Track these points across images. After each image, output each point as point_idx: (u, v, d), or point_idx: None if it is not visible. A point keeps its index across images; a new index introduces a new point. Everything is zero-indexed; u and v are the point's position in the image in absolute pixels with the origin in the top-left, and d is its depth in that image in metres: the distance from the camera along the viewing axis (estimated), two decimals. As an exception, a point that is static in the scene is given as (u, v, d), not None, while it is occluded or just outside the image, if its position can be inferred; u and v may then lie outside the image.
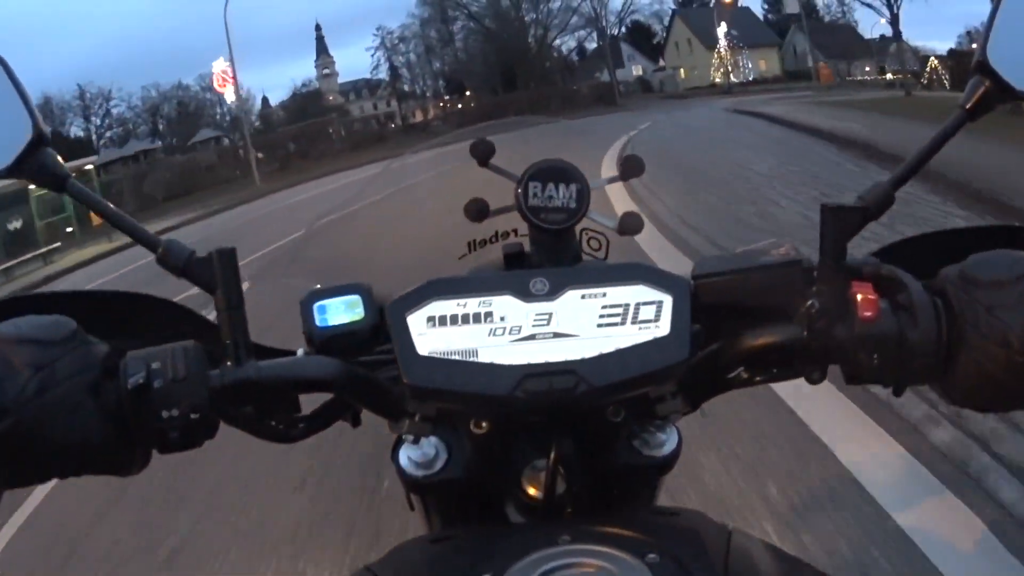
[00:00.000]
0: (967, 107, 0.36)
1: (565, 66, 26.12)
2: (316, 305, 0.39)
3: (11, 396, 0.33)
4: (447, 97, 25.52)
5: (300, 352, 0.40)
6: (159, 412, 0.34)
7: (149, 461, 0.37)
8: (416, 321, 0.36)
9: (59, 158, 0.40)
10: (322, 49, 27.85)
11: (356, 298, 0.39)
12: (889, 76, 20.58)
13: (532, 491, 0.40)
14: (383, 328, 0.38)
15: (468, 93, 25.09)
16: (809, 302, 0.36)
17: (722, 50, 25.27)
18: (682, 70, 27.27)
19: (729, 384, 0.41)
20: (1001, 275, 0.34)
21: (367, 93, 28.38)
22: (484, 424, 0.39)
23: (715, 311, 0.38)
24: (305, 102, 26.83)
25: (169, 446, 0.36)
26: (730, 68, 25.10)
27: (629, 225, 0.43)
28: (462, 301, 0.36)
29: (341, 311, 0.39)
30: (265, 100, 29.16)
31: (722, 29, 25.48)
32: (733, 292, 0.37)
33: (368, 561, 0.35)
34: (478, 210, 0.42)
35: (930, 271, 0.37)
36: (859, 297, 0.34)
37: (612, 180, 0.44)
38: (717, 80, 25.40)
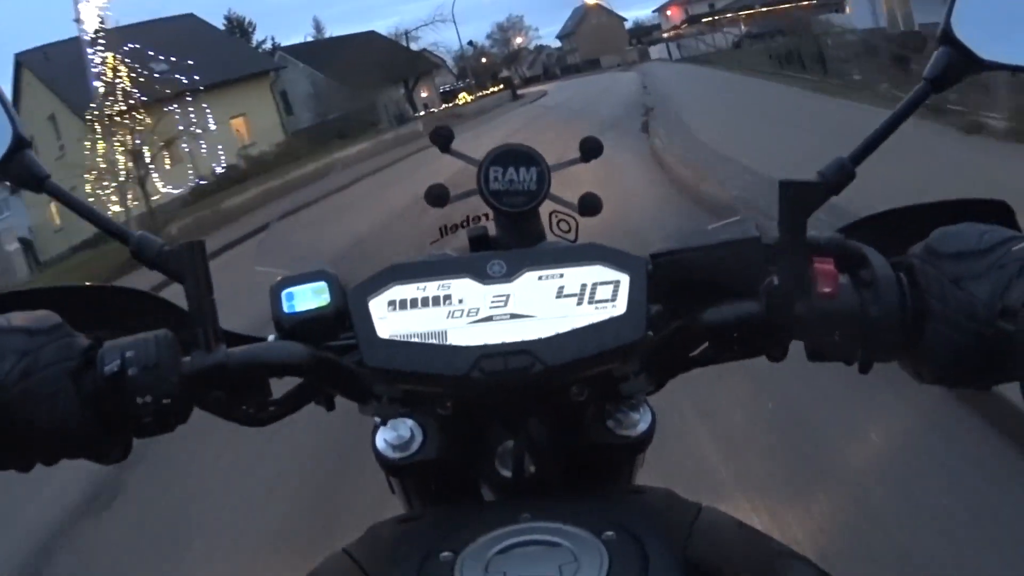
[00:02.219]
0: (931, 78, 0.36)
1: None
2: (284, 292, 0.40)
3: None
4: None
5: (271, 338, 0.41)
6: (134, 398, 0.36)
7: (130, 450, 0.39)
8: (377, 305, 0.37)
9: (37, 159, 0.41)
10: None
11: (322, 284, 0.40)
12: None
13: (503, 471, 0.40)
14: (348, 312, 0.38)
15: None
16: (768, 279, 0.36)
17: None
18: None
19: (693, 362, 0.41)
20: (967, 246, 0.33)
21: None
22: (448, 404, 0.39)
23: (676, 289, 0.38)
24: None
25: (144, 431, 0.37)
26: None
27: (588, 206, 0.42)
28: (422, 285, 0.37)
29: (308, 297, 0.39)
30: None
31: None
32: (692, 269, 0.37)
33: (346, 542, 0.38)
34: (438, 195, 0.42)
35: (896, 246, 0.36)
36: (818, 272, 0.34)
37: (572, 162, 0.43)
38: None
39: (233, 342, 0.40)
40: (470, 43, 55.72)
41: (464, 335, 0.36)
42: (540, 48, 65.82)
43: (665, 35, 49.10)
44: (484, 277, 0.37)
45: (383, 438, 0.42)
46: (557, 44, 61.07)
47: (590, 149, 0.42)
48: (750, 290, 0.37)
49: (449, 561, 0.31)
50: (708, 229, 0.38)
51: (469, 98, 26.75)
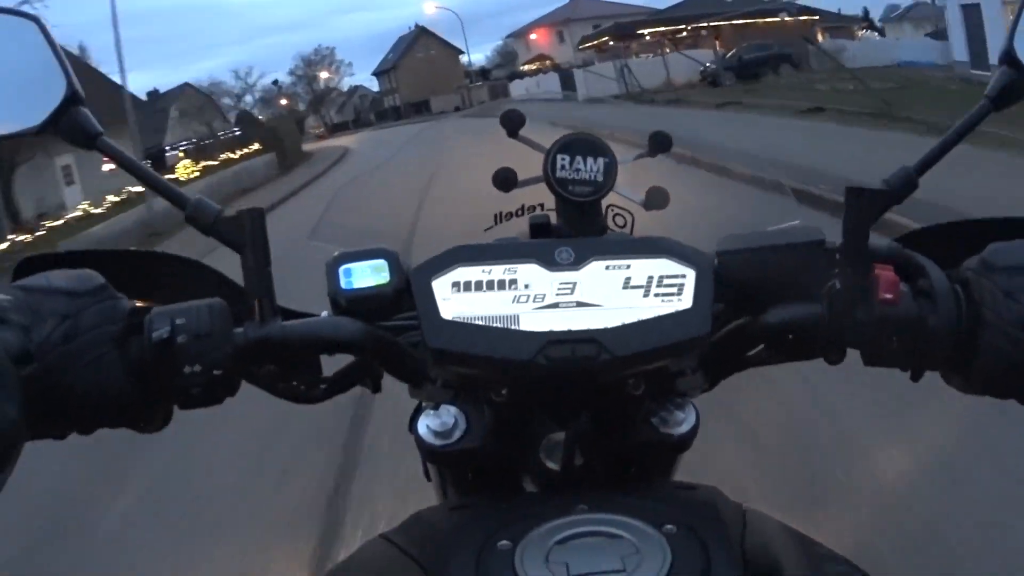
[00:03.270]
0: (992, 97, 0.50)
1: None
2: (342, 268, 0.50)
3: (37, 342, 0.42)
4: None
5: (324, 314, 0.51)
6: (181, 367, 0.44)
7: (171, 418, 0.48)
8: (441, 286, 0.46)
9: (91, 116, 0.50)
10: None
11: (382, 262, 0.50)
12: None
13: (549, 463, 0.51)
14: (407, 293, 0.48)
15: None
16: (830, 283, 0.47)
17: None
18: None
19: (748, 362, 0.53)
20: (1021, 261, 0.45)
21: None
22: (504, 392, 0.49)
23: (737, 289, 0.50)
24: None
25: (190, 402, 0.46)
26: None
27: (655, 200, 0.55)
28: (487, 268, 0.47)
29: (367, 274, 0.49)
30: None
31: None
32: (756, 269, 0.49)
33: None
34: (505, 179, 0.55)
35: (950, 259, 0.49)
36: (880, 279, 0.45)
37: (641, 156, 0.56)
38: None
39: (286, 316, 0.49)
40: (275, 83, 59.42)
41: (530, 320, 0.45)
42: (354, 89, 66.80)
43: (525, 67, 44.19)
44: (551, 263, 0.47)
45: (425, 424, 0.53)
46: (375, 85, 62.70)
47: (659, 142, 0.55)
48: (810, 293, 0.48)
49: (508, 550, 0.40)
50: (769, 231, 0.51)
51: (194, 169, 18.46)
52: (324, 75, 56.84)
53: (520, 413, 0.52)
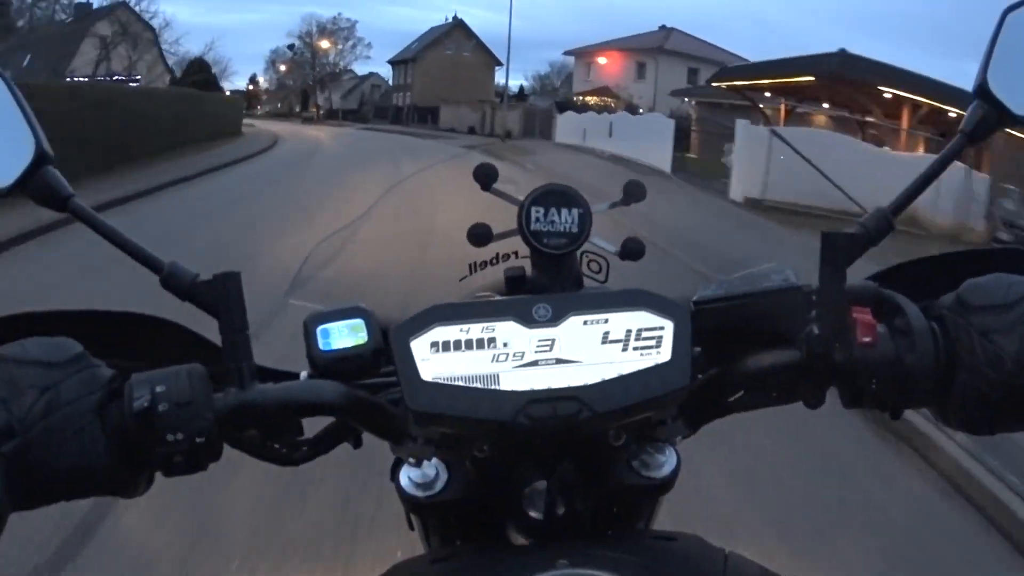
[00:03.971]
0: (966, 131, 0.59)
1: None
2: (319, 329, 0.58)
3: (17, 417, 0.49)
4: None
5: (303, 375, 0.59)
6: (164, 435, 0.51)
7: (152, 482, 0.55)
8: (420, 346, 0.54)
9: (60, 177, 0.57)
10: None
11: (359, 322, 0.58)
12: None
13: (532, 512, 0.60)
14: (385, 351, 0.56)
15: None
16: (809, 327, 0.56)
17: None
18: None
19: (729, 408, 0.61)
20: (995, 299, 0.54)
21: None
22: (485, 448, 0.58)
23: (715, 336, 0.58)
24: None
25: (174, 469, 0.52)
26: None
27: (631, 250, 0.65)
28: (465, 326, 0.55)
29: (344, 334, 0.58)
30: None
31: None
32: (734, 317, 0.58)
33: None
34: (481, 235, 0.65)
35: (927, 294, 0.58)
36: (858, 322, 0.54)
37: (614, 205, 0.65)
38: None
39: (265, 377, 0.56)
40: (291, 47, 58.76)
41: (510, 379, 0.53)
42: (369, 76, 65.00)
43: (584, 98, 35.84)
44: (529, 321, 0.55)
45: (408, 476, 0.62)
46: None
47: (632, 192, 0.65)
48: (789, 337, 0.57)
49: None
50: (745, 274, 0.60)
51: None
52: (325, 45, 55.93)
53: (502, 464, 0.60)
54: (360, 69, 63.31)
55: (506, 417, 0.53)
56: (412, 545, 0.69)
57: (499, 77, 54.68)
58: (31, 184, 0.58)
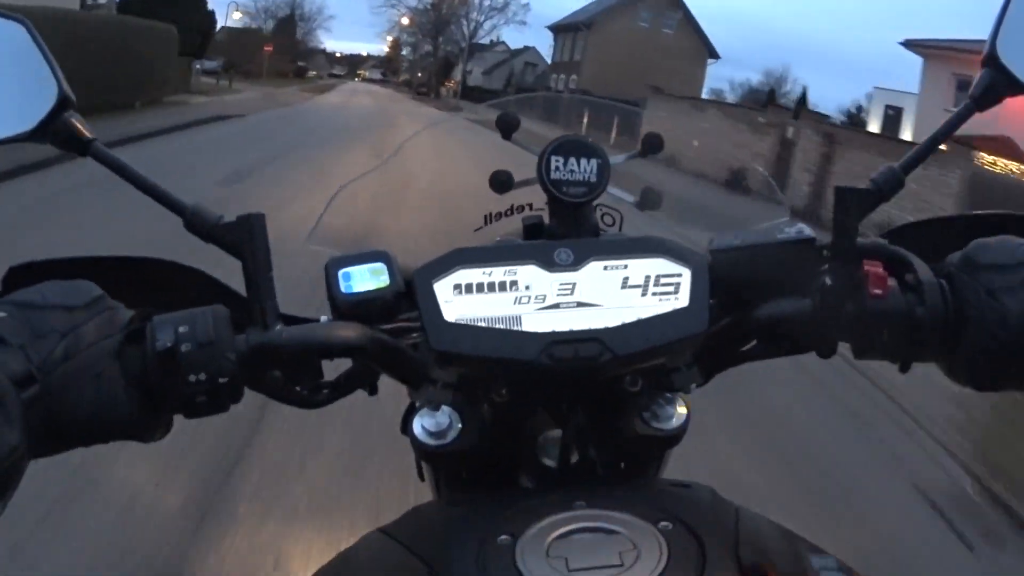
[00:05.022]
0: (975, 97, 0.80)
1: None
2: (341, 272, 0.78)
3: (37, 362, 0.64)
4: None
5: (323, 319, 0.79)
6: (186, 376, 0.68)
7: (171, 427, 0.73)
8: (443, 288, 0.74)
9: (83, 122, 0.76)
10: None
11: (380, 265, 0.78)
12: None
13: (546, 460, 0.81)
14: (406, 296, 0.76)
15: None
16: (821, 278, 0.76)
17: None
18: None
19: (742, 357, 0.82)
20: (1002, 259, 0.75)
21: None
22: (504, 392, 0.78)
23: (730, 285, 0.79)
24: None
25: (195, 410, 0.70)
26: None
27: (649, 200, 0.88)
28: (487, 270, 0.75)
29: (366, 278, 0.78)
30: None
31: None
32: (749, 267, 0.80)
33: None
34: (502, 182, 0.88)
35: (935, 254, 0.78)
36: (869, 274, 0.74)
37: (632, 156, 0.87)
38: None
39: (286, 321, 0.75)
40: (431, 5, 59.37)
41: (532, 321, 0.74)
42: (523, 50, 65.74)
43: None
44: (551, 264, 0.76)
45: (421, 424, 0.83)
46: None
47: (651, 144, 0.90)
48: (802, 288, 0.77)
49: (508, 545, 0.64)
50: (761, 227, 0.81)
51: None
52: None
53: (518, 412, 0.82)
54: (512, 40, 61.90)
55: (529, 357, 0.74)
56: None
57: (713, 74, 46.98)
58: (53, 128, 0.78)
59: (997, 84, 0.82)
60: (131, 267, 0.86)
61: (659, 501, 0.73)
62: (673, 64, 50.39)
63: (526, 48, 68.71)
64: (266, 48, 56.69)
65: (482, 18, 62.53)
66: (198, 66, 35.41)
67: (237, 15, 55.96)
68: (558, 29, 58.44)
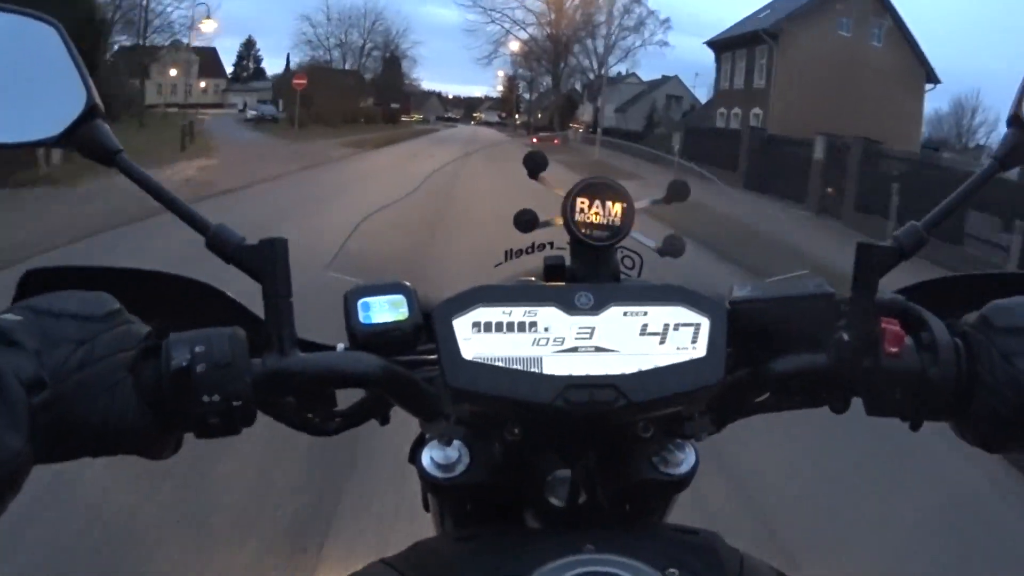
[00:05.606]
0: (999, 157, 1.02)
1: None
2: (361, 302, 0.98)
3: (50, 369, 0.80)
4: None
5: (340, 347, 0.99)
6: (200, 397, 0.85)
7: (180, 446, 0.91)
8: (462, 325, 0.93)
9: (110, 131, 0.94)
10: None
11: (401, 298, 0.99)
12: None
13: (553, 499, 1.00)
14: (424, 329, 0.96)
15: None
16: (838, 334, 0.95)
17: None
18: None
19: (755, 408, 1.04)
20: (1019, 322, 0.95)
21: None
22: (516, 431, 0.95)
23: (748, 336, 0.99)
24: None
25: (207, 431, 0.87)
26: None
27: (671, 247, 1.09)
28: (507, 309, 0.95)
29: (385, 309, 0.98)
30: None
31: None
32: (767, 319, 1.00)
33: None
34: (527, 221, 1.08)
35: (952, 312, 0.98)
36: (886, 331, 0.93)
37: (656, 202, 1.07)
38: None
39: (303, 348, 0.93)
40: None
41: (550, 363, 0.92)
42: (663, 81, 61.24)
43: None
44: (571, 308, 0.95)
45: (430, 456, 1.03)
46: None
47: (677, 191, 1.10)
48: (817, 343, 0.96)
49: None
50: (779, 279, 1.04)
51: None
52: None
53: (528, 450, 0.96)
54: (646, 70, 57.07)
55: (544, 399, 0.89)
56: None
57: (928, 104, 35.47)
58: (79, 136, 0.93)
59: (1021, 145, 1.04)
60: (149, 281, 1.04)
61: (667, 547, 0.90)
62: (883, 90, 44.42)
63: (666, 78, 66.84)
64: (296, 82, 57.80)
65: (612, 39, 59.11)
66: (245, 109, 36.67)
67: (207, 25, 56.28)
68: (723, 45, 51.54)
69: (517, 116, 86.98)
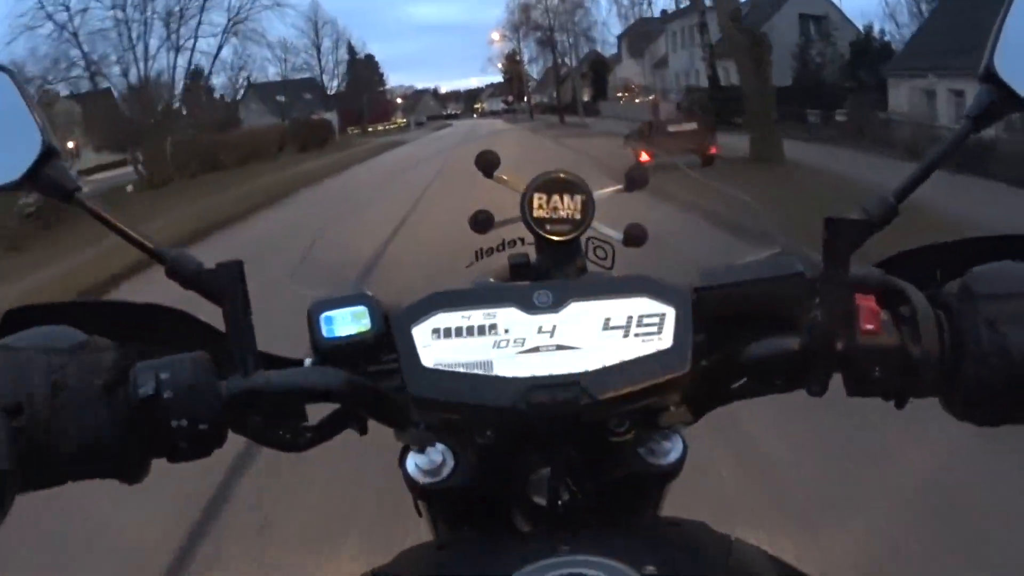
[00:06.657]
0: (973, 116, 0.97)
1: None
2: (323, 316, 0.96)
3: (25, 395, 0.82)
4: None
5: (307, 362, 0.97)
6: (168, 422, 0.86)
7: (149, 470, 0.91)
8: (421, 333, 0.93)
9: (68, 170, 0.98)
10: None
11: (363, 309, 0.97)
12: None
13: (537, 499, 0.98)
14: (388, 338, 0.94)
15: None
16: (812, 314, 0.93)
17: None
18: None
19: (732, 395, 1.00)
20: (1003, 288, 0.90)
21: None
22: (488, 434, 0.96)
23: (718, 322, 0.97)
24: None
25: (178, 455, 0.88)
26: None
27: (633, 236, 1.08)
28: (467, 313, 0.94)
29: (348, 321, 0.96)
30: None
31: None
32: (736, 303, 0.97)
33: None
34: (483, 221, 1.09)
35: (933, 282, 0.94)
36: (861, 309, 0.90)
37: (616, 191, 1.07)
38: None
39: (269, 364, 0.94)
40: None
41: (511, 366, 0.91)
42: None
43: None
44: (530, 307, 0.94)
45: (414, 462, 1.03)
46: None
47: (637, 179, 1.11)
48: (791, 324, 0.94)
49: None
50: (749, 262, 1.00)
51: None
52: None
53: (507, 451, 0.96)
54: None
55: (507, 403, 0.90)
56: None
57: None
58: (39, 177, 0.97)
59: (996, 101, 0.99)
60: (116, 311, 1.09)
61: (646, 543, 0.90)
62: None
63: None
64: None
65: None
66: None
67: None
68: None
69: (526, 98, 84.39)
